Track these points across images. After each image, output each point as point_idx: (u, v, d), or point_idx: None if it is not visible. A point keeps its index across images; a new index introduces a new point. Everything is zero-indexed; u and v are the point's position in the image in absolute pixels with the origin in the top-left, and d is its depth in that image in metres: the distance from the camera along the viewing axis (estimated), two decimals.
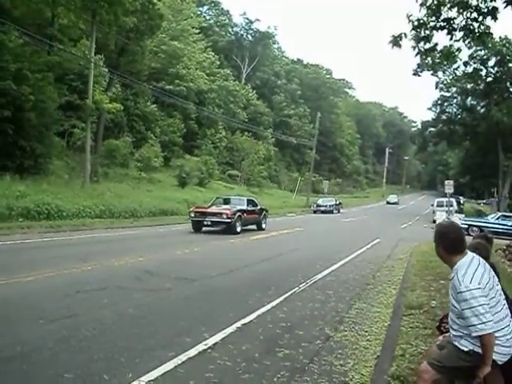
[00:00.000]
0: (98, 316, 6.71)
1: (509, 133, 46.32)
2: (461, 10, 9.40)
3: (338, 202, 48.20)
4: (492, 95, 48.06)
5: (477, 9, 9.32)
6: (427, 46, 10.05)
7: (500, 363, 3.54)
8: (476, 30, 9.65)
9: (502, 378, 3.72)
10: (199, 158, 46.42)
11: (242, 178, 54.72)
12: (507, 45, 44.73)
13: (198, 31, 58.55)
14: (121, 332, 6.11)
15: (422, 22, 9.58)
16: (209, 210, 20.43)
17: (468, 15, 9.48)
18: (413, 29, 9.62)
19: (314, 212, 44.35)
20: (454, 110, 56.26)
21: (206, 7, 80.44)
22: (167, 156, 44.02)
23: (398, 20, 17.96)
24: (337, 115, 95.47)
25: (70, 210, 20.00)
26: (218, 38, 74.16)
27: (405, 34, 9.47)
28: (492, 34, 10.10)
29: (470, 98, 53.57)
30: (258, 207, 22.93)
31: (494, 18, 9.16)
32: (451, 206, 34.36)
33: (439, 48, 10.50)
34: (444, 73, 50.02)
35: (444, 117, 56.11)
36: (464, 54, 53.47)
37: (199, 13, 71.07)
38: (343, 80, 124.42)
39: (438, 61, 10.98)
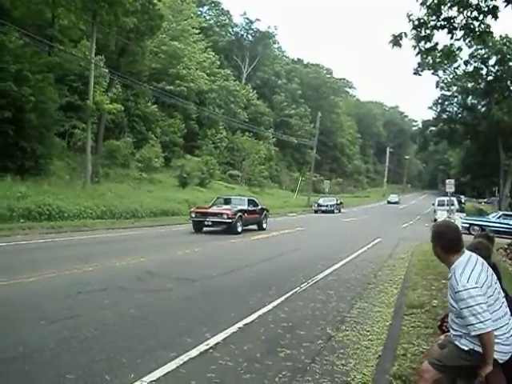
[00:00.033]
0: (100, 317, 6.71)
1: (509, 132, 46.31)
2: (461, 9, 9.39)
3: (338, 202, 48.16)
4: (493, 94, 48.04)
5: (477, 8, 9.31)
6: (428, 45, 10.04)
7: (501, 362, 3.54)
8: (476, 29, 9.65)
9: (504, 377, 3.72)
10: (200, 158, 46.42)
11: (242, 178, 54.73)
12: (508, 43, 44.71)
13: (198, 31, 58.56)
14: (122, 332, 6.11)
15: (422, 21, 9.57)
16: (209, 211, 20.43)
17: (468, 14, 9.48)
18: (413, 28, 9.61)
19: (315, 212, 44.33)
20: (455, 109, 56.27)
21: (206, 7, 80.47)
22: (168, 156, 44.03)
23: (398, 19, 17.96)
24: (337, 115, 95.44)
25: (71, 211, 20.00)
26: (219, 38, 74.18)
27: (405, 33, 9.47)
28: (492, 32, 10.10)
29: (470, 97, 53.56)
30: (259, 207, 22.93)
31: (495, 16, 9.15)
32: (452, 205, 34.35)
33: (440, 47, 10.49)
34: (444, 72, 50.03)
35: (445, 116, 56.09)
36: (464, 53, 53.44)
37: (199, 13, 71.10)
38: (344, 79, 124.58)
39: (438, 60, 10.93)
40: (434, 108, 57.69)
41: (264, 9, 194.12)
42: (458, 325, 3.60)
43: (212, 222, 19.88)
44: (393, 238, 21.90)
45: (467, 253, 3.73)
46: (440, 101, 55.95)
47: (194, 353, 5.40)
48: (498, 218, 28.50)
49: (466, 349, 3.53)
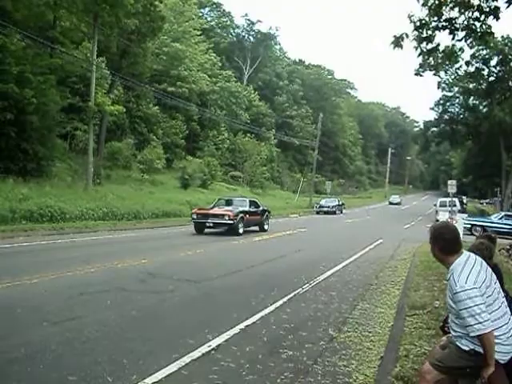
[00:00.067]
0: (102, 318, 6.71)
1: (511, 132, 46.29)
2: (462, 10, 9.38)
3: (340, 203, 48.15)
4: (494, 95, 48.01)
5: (478, 8, 9.30)
6: (429, 46, 10.03)
7: (502, 362, 3.53)
8: (478, 30, 9.64)
9: (507, 377, 3.71)
10: (202, 159, 46.42)
11: (244, 180, 54.72)
12: (509, 44, 44.72)
13: (199, 33, 58.50)
14: (124, 334, 6.12)
15: (423, 22, 9.56)
16: (211, 212, 20.44)
17: (470, 15, 9.47)
18: (415, 29, 9.60)
19: (317, 213, 44.33)
20: (457, 109, 56.29)
21: (207, 9, 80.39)
22: (169, 158, 44.08)
23: (399, 20, 17.96)
24: (339, 116, 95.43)
25: (73, 213, 20.02)
26: (220, 40, 74.16)
27: (406, 34, 9.45)
28: (494, 33, 10.08)
29: (472, 98, 53.55)
30: (260, 208, 22.92)
31: (496, 17, 9.14)
32: (454, 205, 34.30)
33: (441, 48, 10.48)
34: (446, 72, 50.04)
35: (446, 117, 56.10)
36: (466, 54, 53.52)
37: (201, 14, 71.00)
38: (345, 80, 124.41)
39: (440, 61, 10.91)
40: (435, 109, 57.76)
41: (265, 10, 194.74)
42: (457, 325, 3.60)
43: (213, 223, 19.87)
44: (394, 238, 21.89)
45: (466, 253, 3.73)
46: (441, 101, 55.98)
47: (195, 354, 5.40)
48: (500, 218, 28.48)
49: (467, 349, 3.53)
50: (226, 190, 45.52)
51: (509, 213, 31.32)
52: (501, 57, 45.47)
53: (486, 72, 48.25)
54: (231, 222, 19.63)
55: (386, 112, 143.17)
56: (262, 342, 6.06)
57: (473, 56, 45.40)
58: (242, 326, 6.64)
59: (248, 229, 21.34)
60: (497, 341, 3.43)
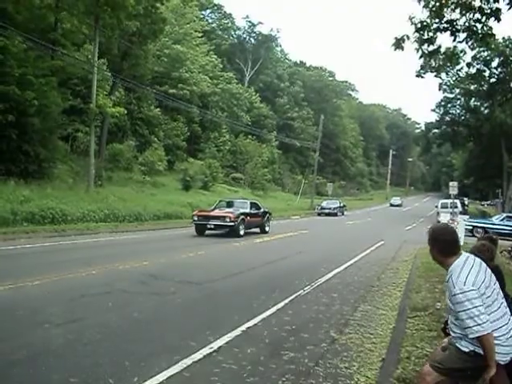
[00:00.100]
0: (103, 320, 6.72)
1: None
2: (463, 12, 9.39)
3: (342, 205, 48.08)
4: (495, 96, 48.03)
5: (480, 10, 9.30)
6: (431, 48, 10.03)
7: (502, 363, 3.52)
8: (479, 32, 9.64)
9: (508, 378, 3.70)
10: (203, 161, 46.42)
11: (245, 181, 54.71)
12: (510, 45, 44.72)
13: (200, 35, 58.53)
14: (126, 336, 6.12)
15: (425, 23, 9.57)
16: (212, 214, 20.44)
17: (471, 16, 9.47)
18: (416, 31, 9.61)
19: (319, 214, 44.28)
20: (458, 111, 56.32)
21: (208, 11, 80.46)
22: (171, 160, 44.07)
23: (400, 21, 17.97)
24: (340, 117, 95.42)
25: (75, 214, 20.03)
26: (221, 42, 74.23)
27: (407, 36, 9.47)
28: (495, 35, 10.08)
29: (473, 99, 53.60)
30: (261, 210, 22.90)
31: (498, 19, 9.14)
32: (456, 207, 34.31)
33: (443, 50, 10.48)
34: (447, 74, 50.07)
35: (447, 118, 56.13)
36: (467, 55, 53.55)
37: (202, 16, 71.01)
38: (346, 82, 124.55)
39: (441, 63, 10.91)
40: (436, 110, 57.80)
41: (266, 12, 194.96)
42: (457, 327, 3.59)
43: (214, 225, 19.86)
44: (396, 240, 21.88)
45: (464, 254, 3.73)
46: (443, 103, 56.03)
47: (197, 356, 5.41)
48: (502, 220, 28.45)
49: (467, 350, 3.52)
50: (228, 191, 45.49)
51: (510, 214, 31.26)
52: (502, 58, 45.50)
53: (487, 73, 48.32)
54: (232, 223, 19.63)
55: (387, 114, 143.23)
56: (264, 343, 6.06)
57: (474, 57, 45.43)
58: (243, 327, 6.64)
59: (249, 231, 21.35)
60: (496, 342, 3.42)
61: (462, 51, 11.00)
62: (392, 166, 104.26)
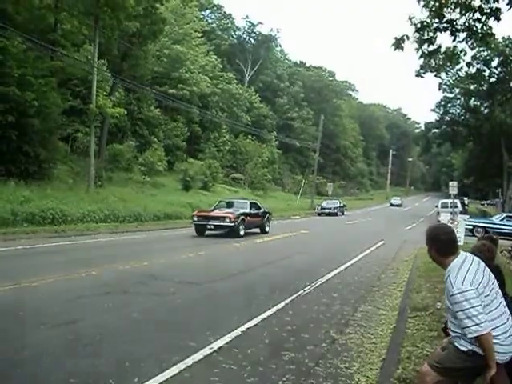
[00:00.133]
0: (103, 320, 6.72)
1: None
2: (463, 12, 9.39)
3: (342, 205, 48.09)
4: (495, 96, 48.06)
5: (479, 9, 9.30)
6: (431, 48, 10.03)
7: (501, 362, 3.51)
8: (479, 31, 9.64)
9: (508, 378, 3.70)
10: (203, 161, 46.39)
11: (245, 181, 54.69)
12: (510, 45, 44.74)
13: (200, 35, 58.51)
14: (125, 336, 6.12)
15: (425, 23, 9.57)
16: (212, 214, 20.42)
17: (471, 16, 9.47)
18: (416, 31, 9.60)
19: (319, 214, 44.29)
20: (458, 111, 56.34)
21: (208, 11, 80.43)
22: (171, 160, 44.02)
23: (400, 21, 17.98)
24: (340, 117, 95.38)
25: (75, 215, 20.02)
26: (221, 42, 74.15)
27: (407, 36, 9.46)
28: (494, 34, 10.08)
29: (473, 99, 53.62)
30: (261, 210, 22.88)
31: (497, 18, 9.14)
32: (456, 207, 34.28)
33: (443, 50, 10.48)
34: (447, 74, 50.09)
35: (447, 118, 56.15)
36: (467, 55, 53.45)
37: (202, 16, 71.01)
38: (346, 82, 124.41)
39: (441, 63, 10.90)
40: (436, 110, 57.84)
41: (266, 12, 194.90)
42: (456, 326, 3.59)
43: (214, 225, 19.83)
44: (396, 240, 21.89)
45: (462, 254, 3.73)
46: (443, 103, 56.05)
47: (197, 357, 5.40)
48: (502, 219, 28.45)
49: (465, 350, 3.52)
50: (228, 192, 45.47)
51: (510, 214, 31.27)
52: (502, 58, 45.53)
53: (487, 73, 48.37)
54: (232, 224, 19.61)
55: (387, 113, 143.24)
56: (264, 344, 6.06)
57: (474, 57, 45.46)
58: (243, 328, 6.64)
59: (249, 231, 21.34)
60: (495, 341, 3.42)
61: (461, 51, 10.99)
62: (392, 165, 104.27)
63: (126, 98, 39.69)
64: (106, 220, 21.45)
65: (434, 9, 9.40)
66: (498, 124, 46.28)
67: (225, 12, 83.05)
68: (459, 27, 9.68)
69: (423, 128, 69.29)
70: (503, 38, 43.99)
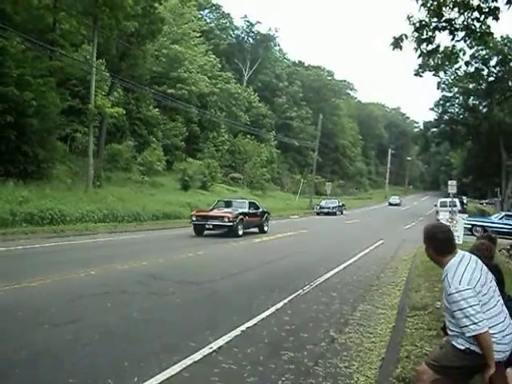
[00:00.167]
0: (102, 320, 6.72)
1: (511, 132, 46.33)
2: (462, 11, 9.38)
3: (340, 204, 48.09)
4: (494, 95, 48.10)
5: (478, 9, 9.29)
6: (430, 47, 10.01)
7: (498, 361, 3.50)
8: (477, 30, 9.63)
9: (506, 376, 3.70)
10: (202, 161, 46.39)
11: (244, 181, 54.69)
12: (508, 44, 44.80)
13: (199, 34, 58.50)
14: (125, 336, 6.12)
15: (424, 23, 9.55)
16: (210, 214, 20.41)
17: (469, 15, 9.46)
18: (415, 30, 9.59)
19: (317, 214, 44.32)
20: (456, 110, 56.35)
21: (206, 11, 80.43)
22: (170, 160, 44.03)
23: (399, 20, 17.97)
24: (339, 117, 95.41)
25: (73, 215, 20.00)
26: (220, 41, 74.15)
27: (405, 35, 9.43)
28: (493, 33, 10.07)
29: (471, 98, 53.65)
30: (260, 210, 22.87)
31: (496, 18, 9.13)
32: (454, 206, 34.31)
33: (441, 49, 10.46)
34: (445, 73, 50.07)
35: (446, 117, 56.17)
36: (465, 54, 53.51)
37: (200, 16, 71.03)
38: (345, 81, 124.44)
39: (440, 62, 10.88)
40: (435, 109, 57.84)
41: (265, 11, 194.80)
42: (453, 325, 3.60)
43: (213, 225, 19.82)
44: (395, 239, 21.90)
45: (460, 253, 3.73)
46: (441, 102, 56.03)
47: (197, 356, 5.40)
48: (501, 218, 28.48)
49: (462, 348, 3.52)
50: (226, 191, 45.49)
51: (509, 213, 31.30)
52: (500, 57, 45.56)
53: (485, 72, 48.39)
54: (231, 223, 19.60)
55: (385, 113, 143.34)
56: (263, 343, 6.06)
57: (472, 56, 45.50)
58: (243, 327, 6.64)
59: (248, 230, 21.33)
60: (492, 339, 3.43)
61: (460, 50, 10.98)
62: (391, 164, 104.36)
63: (124, 98, 39.69)
64: (104, 220, 21.43)
65: (432, 8, 9.38)
66: (497, 123, 46.30)
67: (223, 11, 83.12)
68: (458, 26, 9.67)
69: (422, 127, 69.37)
70: (502, 37, 44.04)
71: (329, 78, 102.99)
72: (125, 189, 30.47)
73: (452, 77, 52.10)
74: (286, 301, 8.42)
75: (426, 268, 12.03)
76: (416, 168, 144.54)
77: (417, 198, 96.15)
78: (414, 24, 9.61)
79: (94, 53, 27.06)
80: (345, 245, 19.34)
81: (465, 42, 10.07)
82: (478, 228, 25.90)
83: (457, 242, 4.08)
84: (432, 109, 58.39)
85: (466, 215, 25.74)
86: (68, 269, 10.32)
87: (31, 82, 23.49)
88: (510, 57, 44.85)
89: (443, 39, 10.62)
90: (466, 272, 3.53)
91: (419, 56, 10.15)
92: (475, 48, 41.07)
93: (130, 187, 32.07)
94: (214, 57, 61.31)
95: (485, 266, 3.75)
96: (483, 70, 48.07)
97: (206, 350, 5.61)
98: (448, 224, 13.37)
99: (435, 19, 9.53)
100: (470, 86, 50.76)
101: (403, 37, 9.47)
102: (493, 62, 47.34)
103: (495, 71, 47.77)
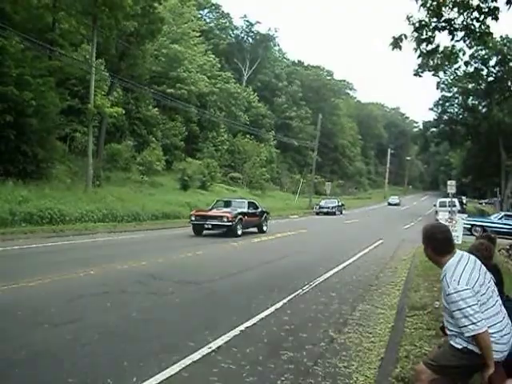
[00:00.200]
0: (101, 320, 6.72)
1: (510, 132, 46.37)
2: (461, 11, 9.38)
3: (340, 204, 48.10)
4: (493, 95, 48.11)
5: (478, 9, 9.29)
6: (429, 47, 10.01)
7: (496, 360, 3.51)
8: (477, 30, 9.63)
9: (506, 376, 3.70)
10: (201, 160, 46.41)
11: (244, 181, 54.69)
12: (508, 44, 44.81)
13: (198, 34, 58.47)
14: (124, 336, 6.12)
15: (423, 23, 9.55)
16: (209, 214, 20.39)
17: (469, 15, 9.46)
18: (414, 30, 9.58)
19: (317, 214, 44.32)
20: (456, 110, 56.35)
21: (206, 10, 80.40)
22: (169, 159, 44.04)
23: (399, 20, 17.92)
24: (338, 116, 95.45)
25: (73, 215, 20.00)
26: (219, 41, 74.13)
27: (405, 35, 9.43)
28: (492, 33, 10.07)
29: (471, 98, 53.65)
30: (259, 210, 22.85)
31: (495, 18, 9.14)
32: (454, 206, 34.31)
33: (441, 49, 10.46)
34: (445, 73, 50.07)
35: (446, 117, 56.18)
36: (465, 54, 53.53)
37: (200, 16, 71.01)
38: (344, 81, 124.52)
39: (439, 62, 10.88)
40: (434, 109, 57.84)
41: (264, 11, 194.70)
42: (452, 324, 3.60)
43: (212, 225, 19.81)
44: (395, 239, 21.91)
45: (458, 253, 3.74)
46: (441, 102, 56.05)
47: (196, 356, 5.40)
48: (500, 218, 28.49)
49: (460, 347, 3.52)
50: (226, 191, 45.48)
51: (508, 213, 31.33)
52: (500, 57, 45.57)
53: (485, 72, 48.40)
54: (230, 223, 19.59)
55: (385, 112, 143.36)
56: (263, 343, 6.06)
57: (472, 56, 45.50)
58: (242, 327, 6.64)
59: (247, 230, 21.33)
60: (491, 339, 3.43)
61: (460, 50, 10.98)
62: (390, 164, 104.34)
63: (124, 98, 39.67)
64: (104, 220, 21.43)
65: (432, 8, 9.38)
66: (496, 123, 46.29)
67: (223, 11, 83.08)
68: (457, 26, 9.67)
69: (421, 127, 69.27)
70: (501, 37, 44.07)
71: (328, 77, 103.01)
72: (124, 188, 30.47)
73: (451, 77, 52.12)
74: (285, 301, 8.42)
75: (425, 268, 12.03)
76: (415, 168, 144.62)
77: (416, 198, 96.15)
78: (413, 24, 9.61)
79: (93, 52, 27.04)
80: (344, 244, 19.34)
81: (464, 42, 10.07)
82: (477, 228, 25.92)
83: (456, 242, 4.10)
84: (431, 109, 58.45)
85: (466, 215, 25.75)
86: (67, 268, 10.32)
87: (30, 82, 23.48)
88: (509, 57, 44.86)
89: (443, 39, 10.58)
90: (464, 272, 3.53)
91: (419, 56, 10.15)
92: (475, 48, 41.08)
93: (130, 187, 32.06)
94: (214, 56, 61.31)
95: (483, 266, 3.75)
96: (483, 70, 48.10)
97: (205, 350, 5.61)
98: (447, 224, 13.40)
99: (435, 19, 9.53)
100: (470, 85, 50.77)
101: (402, 37, 9.47)
102: (492, 62, 47.42)
103: (494, 71, 47.78)
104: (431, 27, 9.67)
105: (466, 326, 3.37)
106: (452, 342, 3.59)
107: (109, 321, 6.71)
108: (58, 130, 28.83)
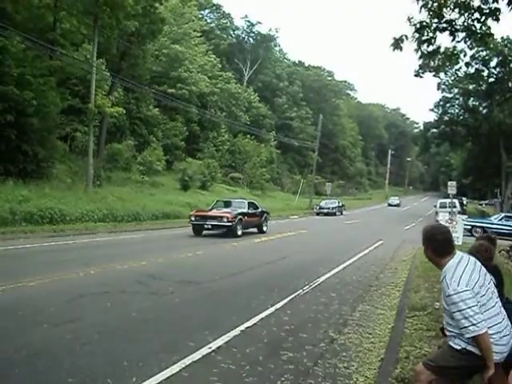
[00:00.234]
0: (101, 320, 6.72)
1: (511, 133, 46.29)
2: (462, 12, 9.37)
3: (340, 204, 48.06)
4: (494, 96, 48.07)
5: (479, 10, 9.29)
6: (430, 48, 10.01)
7: (496, 362, 3.51)
8: (478, 31, 9.63)
9: (505, 377, 3.70)
10: (202, 161, 46.38)
11: (244, 181, 54.67)
12: (509, 45, 44.77)
13: (199, 34, 58.46)
14: (124, 336, 6.12)
15: (424, 24, 9.55)
16: (209, 214, 20.37)
17: (470, 16, 9.46)
18: (416, 31, 9.58)
19: (317, 214, 44.29)
20: (456, 111, 56.28)
21: (207, 10, 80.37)
22: (170, 159, 44.01)
23: (399, 21, 17.94)
24: (339, 117, 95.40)
25: (73, 214, 20.01)
26: (220, 41, 74.09)
27: (406, 36, 9.43)
28: (493, 34, 10.07)
29: (472, 99, 53.59)
30: (259, 210, 22.83)
31: (496, 19, 9.13)
32: (454, 207, 34.30)
33: (442, 50, 10.46)
34: (446, 74, 50.02)
35: (446, 118, 56.10)
36: (466, 55, 53.48)
37: (201, 16, 70.97)
38: (345, 82, 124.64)
39: (440, 63, 10.87)
40: (435, 110, 57.78)
41: (265, 12, 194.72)
42: (451, 325, 3.60)
43: (212, 225, 19.79)
44: (395, 240, 21.89)
45: (458, 254, 3.73)
46: (441, 103, 55.98)
47: (196, 356, 5.40)
48: (500, 219, 28.47)
49: (459, 348, 3.52)
50: (226, 191, 45.46)
51: (509, 214, 31.31)
52: (500, 58, 45.53)
53: (485, 73, 48.36)
54: (229, 223, 19.57)
55: (385, 113, 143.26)
56: (263, 343, 6.06)
57: (473, 57, 45.44)
58: (242, 327, 6.64)
59: (247, 231, 21.32)
60: (490, 340, 3.43)
61: (461, 51, 10.97)
62: (391, 165, 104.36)
63: (124, 98, 39.67)
64: (104, 219, 21.44)
65: (433, 9, 9.38)
66: (497, 124, 46.26)
67: (224, 11, 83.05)
68: (458, 27, 9.67)
69: (422, 128, 69.26)
70: (502, 38, 44.03)
71: (329, 78, 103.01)
72: (125, 188, 30.46)
73: (452, 78, 52.08)
74: (285, 301, 8.42)
75: (426, 269, 12.02)
76: (416, 169, 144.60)
77: (416, 199, 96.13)
78: (414, 25, 9.61)
79: (94, 52, 27.06)
80: (344, 245, 19.33)
81: (465, 42, 10.08)
82: (477, 229, 25.90)
83: (456, 243, 4.10)
84: (432, 110, 58.41)
85: (466, 216, 25.78)
86: (67, 268, 10.33)
87: (31, 82, 23.49)
88: (510, 58, 44.83)
89: (444, 40, 10.66)
90: (464, 273, 3.53)
91: (420, 57, 10.15)
92: (475, 49, 41.09)
93: (130, 187, 32.05)
94: (215, 57, 61.31)
95: (483, 268, 3.75)
96: (483, 71, 48.06)
97: (205, 350, 5.61)
98: (447, 225, 13.39)
99: (436, 20, 9.53)
100: (470, 86, 50.72)
101: (403, 37, 9.48)
102: (493, 63, 47.35)
103: (495, 72, 47.75)
104: (432, 28, 9.67)
105: (466, 327, 3.37)
106: (451, 343, 3.59)
107: (109, 321, 6.71)
108: (59, 130, 28.84)
